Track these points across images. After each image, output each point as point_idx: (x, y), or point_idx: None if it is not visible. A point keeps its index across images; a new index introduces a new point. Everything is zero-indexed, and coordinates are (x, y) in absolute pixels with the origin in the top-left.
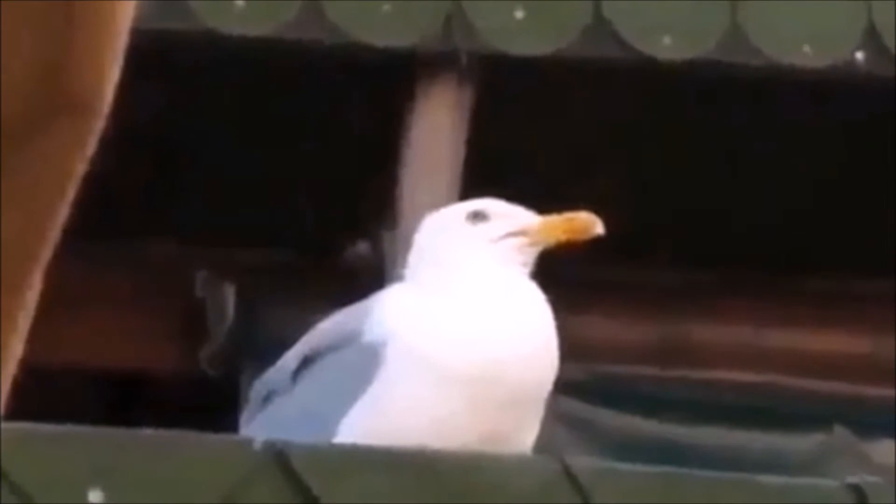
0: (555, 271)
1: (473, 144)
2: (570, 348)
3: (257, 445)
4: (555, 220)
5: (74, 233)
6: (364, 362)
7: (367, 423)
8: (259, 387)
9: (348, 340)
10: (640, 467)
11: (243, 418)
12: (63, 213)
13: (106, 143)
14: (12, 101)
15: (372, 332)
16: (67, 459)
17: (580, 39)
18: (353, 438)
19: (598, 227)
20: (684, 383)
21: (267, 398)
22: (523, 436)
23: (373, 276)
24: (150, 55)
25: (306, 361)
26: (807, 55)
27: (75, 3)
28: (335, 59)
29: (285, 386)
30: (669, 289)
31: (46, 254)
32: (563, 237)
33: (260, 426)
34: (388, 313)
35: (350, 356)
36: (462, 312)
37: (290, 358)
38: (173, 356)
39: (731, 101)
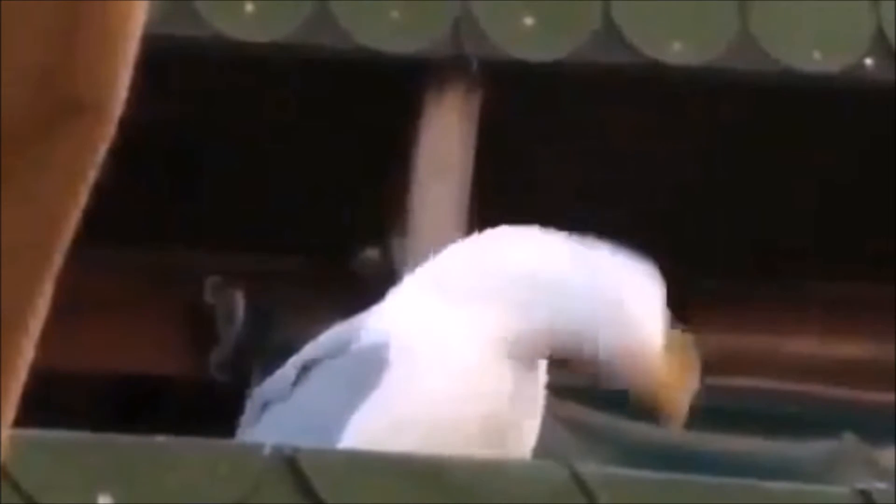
0: None
1: (483, 150)
2: None
3: (266, 451)
4: None
5: (83, 238)
6: (363, 365)
7: (374, 421)
8: (256, 396)
9: (346, 346)
10: (648, 473)
11: (240, 428)
12: (75, 217)
13: (114, 149)
14: (16, 102)
15: (369, 335)
16: (77, 465)
17: (589, 45)
18: (362, 437)
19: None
20: None
21: (264, 407)
22: (527, 429)
23: (383, 282)
24: (157, 59)
25: (305, 370)
26: (817, 61)
27: (83, 3)
28: (344, 65)
29: (283, 395)
30: (675, 294)
31: (58, 258)
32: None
33: (259, 435)
34: (385, 315)
35: (347, 361)
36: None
37: (289, 367)
38: (182, 362)
39: (741, 106)
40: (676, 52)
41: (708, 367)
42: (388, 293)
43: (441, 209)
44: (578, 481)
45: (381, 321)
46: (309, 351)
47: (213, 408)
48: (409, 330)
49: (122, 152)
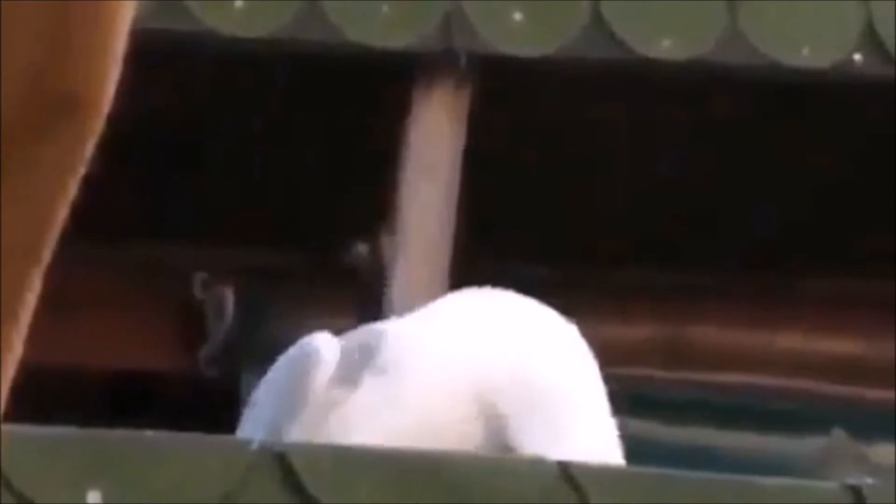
0: (561, 275)
1: (472, 145)
2: None
3: (255, 446)
4: None
5: (72, 233)
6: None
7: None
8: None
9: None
10: (638, 469)
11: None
12: (64, 212)
13: (104, 144)
14: (10, 101)
15: (362, 335)
16: (66, 461)
17: (578, 41)
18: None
19: None
20: (683, 386)
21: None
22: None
23: (372, 279)
24: (147, 55)
25: None
26: (806, 56)
27: (74, 3)
28: (334, 60)
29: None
30: (668, 291)
31: (47, 254)
32: None
33: (246, 428)
34: (386, 321)
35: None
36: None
37: None
38: (172, 358)
39: (731, 102)
40: (666, 47)
41: (697, 364)
42: (379, 290)
43: (430, 205)
44: (568, 477)
45: (378, 328)
46: None
47: (203, 403)
48: (401, 338)
49: (112, 148)
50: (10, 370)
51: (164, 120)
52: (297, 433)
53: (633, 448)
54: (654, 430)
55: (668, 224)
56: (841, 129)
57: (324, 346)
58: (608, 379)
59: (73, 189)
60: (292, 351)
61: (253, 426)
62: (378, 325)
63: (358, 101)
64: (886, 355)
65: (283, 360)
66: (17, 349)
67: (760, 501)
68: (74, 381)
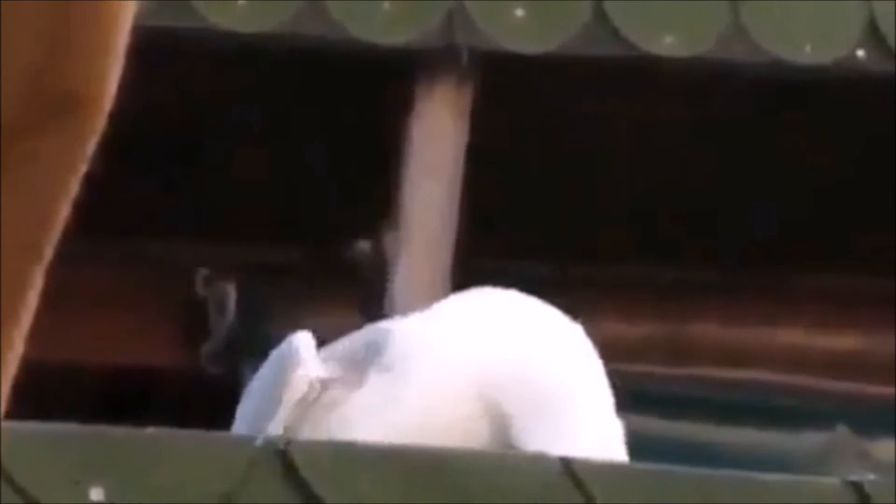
0: (563, 272)
1: (474, 143)
2: None
3: (259, 443)
4: None
5: (74, 230)
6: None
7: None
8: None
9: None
10: (640, 465)
11: None
12: (66, 209)
13: (106, 141)
14: (10, 100)
15: (368, 334)
16: (68, 458)
17: (580, 38)
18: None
19: None
20: (684, 382)
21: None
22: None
23: (375, 275)
24: (148, 52)
25: None
26: (808, 53)
27: (74, 3)
28: (335, 57)
29: None
30: (669, 288)
31: (49, 251)
32: None
33: (235, 427)
34: (392, 321)
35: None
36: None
37: None
38: (174, 354)
39: (733, 99)
40: (668, 44)
41: (698, 360)
42: (381, 286)
43: (432, 202)
44: (570, 473)
45: (384, 327)
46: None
47: (205, 400)
48: (407, 336)
49: (114, 145)
50: (12, 368)
51: (166, 117)
52: (274, 432)
53: (635, 444)
54: (656, 426)
55: (669, 221)
56: (843, 125)
57: (302, 346)
58: (610, 375)
59: (74, 187)
60: (274, 351)
61: (238, 426)
62: (384, 324)
63: (360, 97)
64: (887, 351)
65: (266, 360)
66: (18, 347)
67: (763, 498)
68: (76, 378)
